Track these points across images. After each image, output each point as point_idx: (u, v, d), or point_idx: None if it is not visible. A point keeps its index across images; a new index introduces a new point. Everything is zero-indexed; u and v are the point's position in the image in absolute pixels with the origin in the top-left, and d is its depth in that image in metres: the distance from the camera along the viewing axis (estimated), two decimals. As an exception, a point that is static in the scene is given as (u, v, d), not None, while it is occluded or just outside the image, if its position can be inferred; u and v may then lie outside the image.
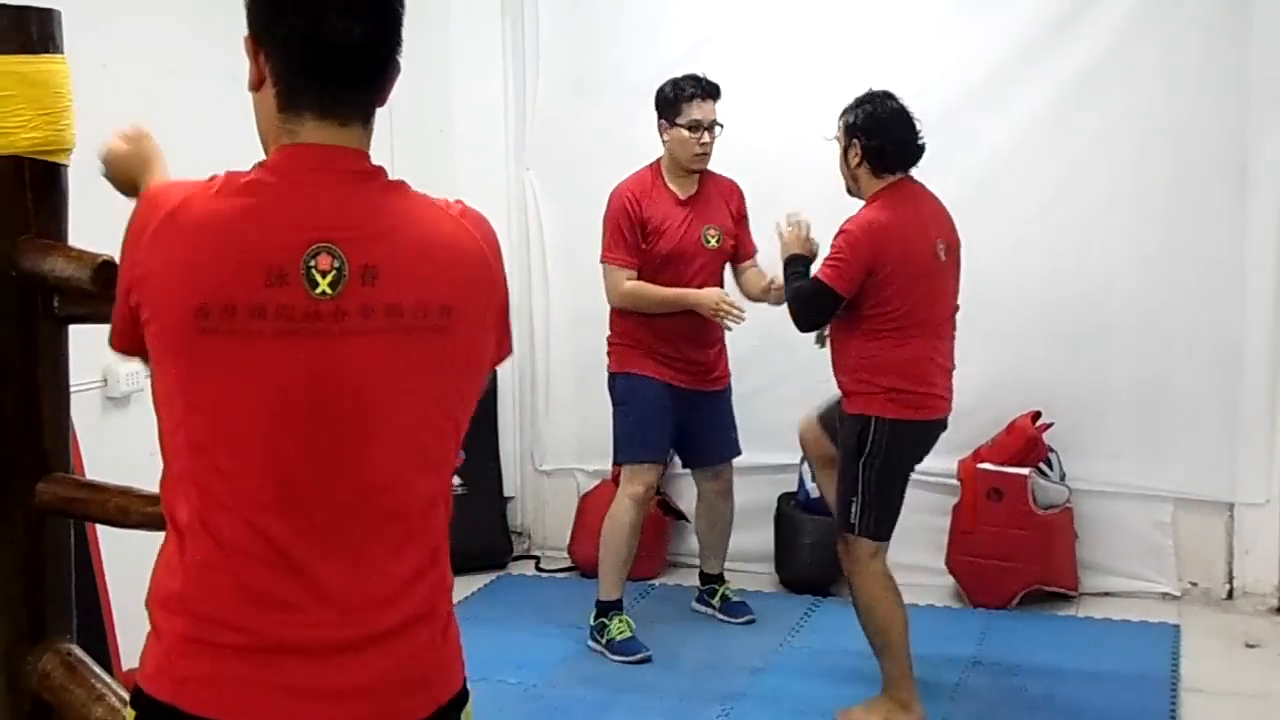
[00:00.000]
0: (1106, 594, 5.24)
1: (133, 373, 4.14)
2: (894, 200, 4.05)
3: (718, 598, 5.13)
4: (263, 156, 1.72)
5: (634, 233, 4.68)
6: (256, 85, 1.71)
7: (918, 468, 4.51)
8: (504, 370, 5.84)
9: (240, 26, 1.71)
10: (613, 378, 4.85)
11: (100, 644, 3.81)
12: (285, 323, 1.61)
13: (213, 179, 1.67)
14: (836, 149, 4.14)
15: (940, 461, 5.13)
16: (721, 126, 4.74)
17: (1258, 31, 4.95)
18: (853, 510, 4.02)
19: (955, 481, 5.21)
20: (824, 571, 5.13)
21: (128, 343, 1.71)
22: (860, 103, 4.11)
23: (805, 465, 5.10)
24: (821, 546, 4.74)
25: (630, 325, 4.78)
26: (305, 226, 1.63)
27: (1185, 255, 5.10)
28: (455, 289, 1.70)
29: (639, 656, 4.67)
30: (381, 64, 1.71)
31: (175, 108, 4.14)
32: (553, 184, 5.73)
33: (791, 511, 5.36)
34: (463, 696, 1.79)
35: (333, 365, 1.63)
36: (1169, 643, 4.79)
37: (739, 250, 4.86)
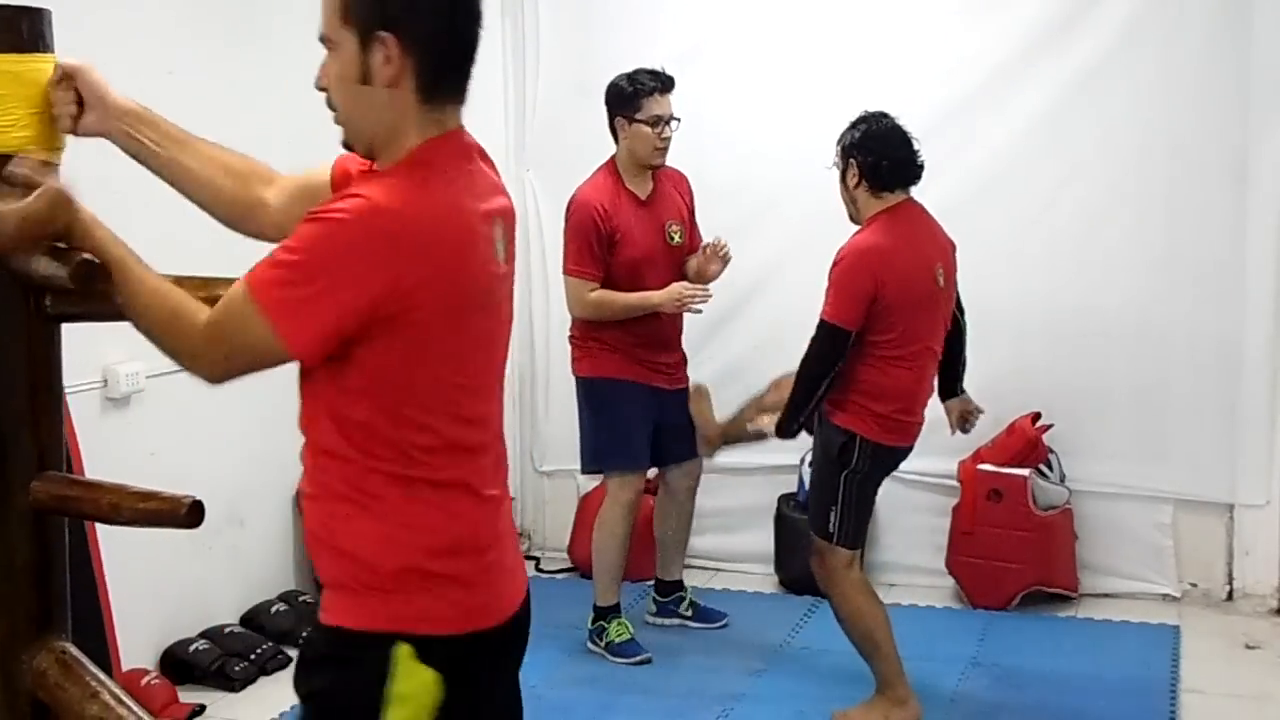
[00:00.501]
0: (1106, 595, 5.24)
1: (132, 373, 4.16)
2: (892, 222, 3.99)
3: (686, 605, 5.06)
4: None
5: (602, 245, 4.58)
6: (393, 82, 1.87)
7: (917, 468, 4.51)
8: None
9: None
10: (589, 382, 4.76)
11: (99, 643, 3.82)
12: (498, 290, 1.97)
13: (386, 182, 1.85)
14: (836, 171, 4.10)
15: (940, 463, 5.16)
16: (679, 120, 4.66)
17: (1258, 33, 4.95)
18: (831, 519, 4.03)
19: (955, 483, 5.21)
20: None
21: (329, 348, 1.83)
22: (856, 123, 4.07)
23: (804, 466, 5.09)
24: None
25: (604, 327, 4.68)
26: (485, 202, 1.93)
27: (1185, 256, 5.10)
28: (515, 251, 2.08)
29: (639, 658, 4.67)
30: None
31: (174, 109, 4.14)
32: (552, 185, 5.71)
33: (791, 512, 5.35)
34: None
35: (502, 319, 2.01)
36: (1169, 644, 4.79)
37: (691, 241, 4.82)
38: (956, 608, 5.20)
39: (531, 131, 5.82)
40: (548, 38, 5.76)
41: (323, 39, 1.92)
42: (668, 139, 4.64)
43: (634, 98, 4.58)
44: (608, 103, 4.66)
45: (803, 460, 5.20)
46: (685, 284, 4.63)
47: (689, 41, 5.45)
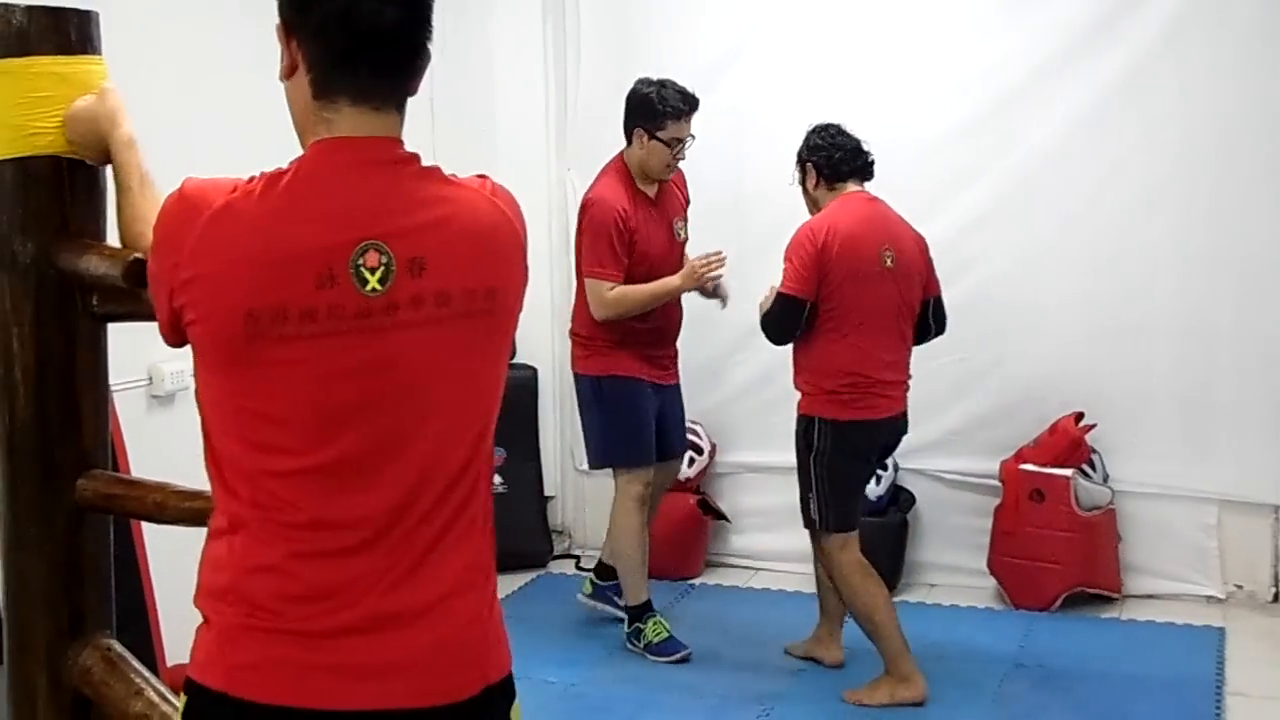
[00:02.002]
0: (1150, 596, 5.19)
1: (177, 372, 4.19)
2: (841, 205, 4.29)
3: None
4: (299, 150, 1.74)
5: (623, 246, 4.59)
6: (289, 73, 1.72)
7: (959, 468, 4.49)
8: (544, 370, 5.88)
9: (273, 19, 1.72)
10: (595, 380, 4.74)
11: (145, 641, 3.85)
12: (337, 323, 1.63)
13: (251, 180, 1.68)
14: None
15: (982, 462, 5.13)
16: (694, 138, 4.67)
17: (1303, 30, 4.90)
18: (812, 506, 4.26)
19: (997, 482, 5.18)
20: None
21: (179, 338, 1.71)
22: (806, 135, 4.40)
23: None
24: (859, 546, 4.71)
25: (612, 324, 4.66)
26: (350, 226, 1.64)
27: (1229, 254, 5.05)
28: (498, 271, 1.74)
29: (678, 655, 4.66)
30: (413, 50, 1.72)
31: (213, 104, 4.19)
32: (593, 184, 5.73)
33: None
34: (510, 687, 1.81)
35: (386, 358, 1.66)
36: (1213, 646, 4.74)
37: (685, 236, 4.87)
38: (998, 608, 5.17)
39: (573, 131, 5.83)
40: (589, 38, 5.76)
41: None
42: (681, 158, 4.69)
43: (659, 116, 4.58)
44: (631, 108, 4.66)
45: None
46: (696, 259, 4.64)
47: (730, 41, 5.45)
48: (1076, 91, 5.16)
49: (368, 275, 1.64)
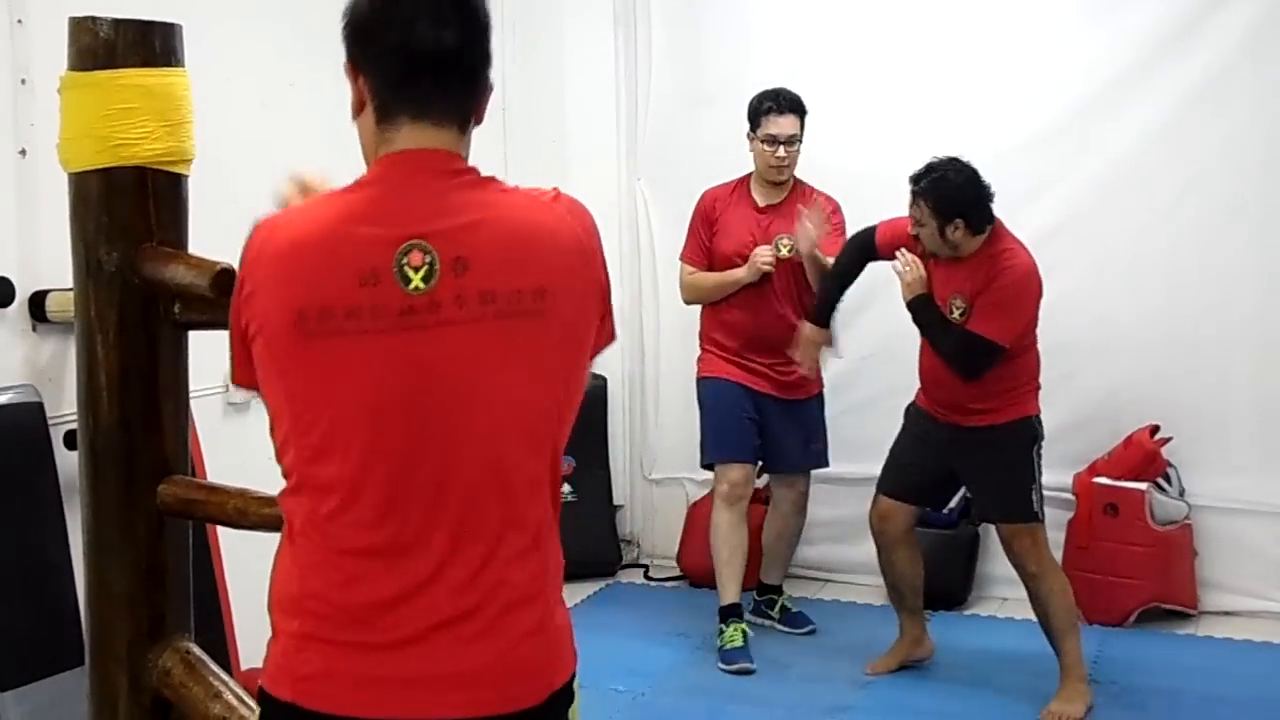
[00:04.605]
0: (1227, 613, 5.11)
1: (252, 379, 4.24)
2: (1020, 245, 4.20)
3: (777, 609, 5.12)
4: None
5: (706, 231, 4.86)
6: (358, 110, 1.78)
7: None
8: (614, 379, 5.89)
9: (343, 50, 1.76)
10: (698, 382, 4.98)
11: (220, 644, 3.90)
12: (380, 320, 1.65)
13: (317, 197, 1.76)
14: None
15: (1056, 476, 5.06)
16: (800, 141, 4.76)
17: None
18: (1034, 499, 4.24)
19: (1071, 496, 5.12)
20: (931, 584, 5.06)
21: (248, 376, 1.76)
22: (940, 182, 4.14)
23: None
24: (929, 560, 4.68)
25: (709, 328, 4.93)
26: (396, 226, 1.68)
27: (1311, 267, 4.97)
28: (549, 272, 1.73)
29: (735, 667, 4.65)
30: (470, 71, 1.76)
31: (294, 120, 4.24)
32: (664, 194, 5.74)
33: (902, 524, 5.30)
34: (571, 689, 1.81)
35: (431, 356, 1.68)
36: (1292, 664, 4.66)
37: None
38: (1071, 623, 5.10)
39: (643, 141, 5.84)
40: (660, 48, 5.77)
41: None
42: (783, 158, 4.76)
43: (756, 115, 4.78)
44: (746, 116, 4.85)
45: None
46: (760, 247, 4.75)
47: (804, 51, 5.42)
48: (1154, 101, 5.09)
49: (411, 274, 1.66)
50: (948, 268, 4.22)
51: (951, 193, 4.11)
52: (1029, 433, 4.25)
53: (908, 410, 4.49)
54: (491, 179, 1.77)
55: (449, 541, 1.69)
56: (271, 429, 1.75)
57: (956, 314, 4.19)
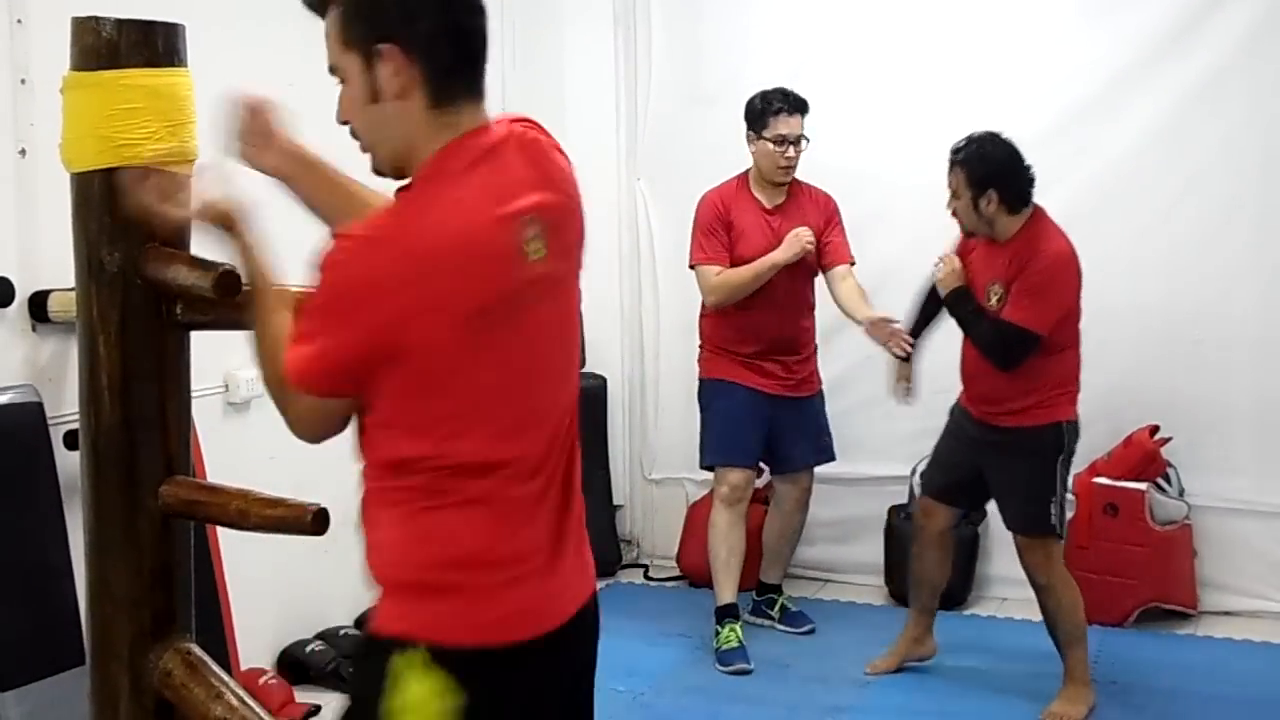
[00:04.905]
0: (1227, 613, 5.11)
1: (253, 379, 4.23)
2: (1058, 230, 4.16)
3: (777, 608, 5.12)
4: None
5: (725, 232, 4.77)
6: (401, 94, 1.83)
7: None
8: (614, 379, 5.90)
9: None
10: (699, 384, 4.96)
11: (220, 644, 3.90)
12: (528, 297, 1.85)
13: (393, 206, 1.86)
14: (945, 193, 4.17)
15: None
16: (808, 141, 4.75)
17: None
18: (1052, 512, 4.17)
19: (1071, 496, 5.11)
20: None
21: (346, 383, 1.84)
22: (977, 152, 4.12)
23: (914, 477, 5.05)
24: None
25: (716, 330, 4.87)
26: (509, 206, 1.84)
27: (1310, 266, 4.97)
28: (581, 221, 2.01)
29: (733, 668, 4.66)
30: (487, 47, 1.93)
31: (294, 120, 4.22)
32: (663, 194, 5.74)
33: (902, 524, 5.29)
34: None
35: (556, 316, 1.95)
36: (1292, 664, 4.66)
37: (826, 255, 4.82)
38: (1071, 623, 5.10)
39: (643, 141, 5.84)
40: (660, 48, 5.77)
41: (331, 70, 1.91)
42: (791, 158, 4.74)
43: (762, 115, 4.73)
44: (745, 116, 4.80)
45: (913, 471, 5.16)
46: (798, 228, 4.71)
47: (804, 50, 5.43)
48: (1153, 101, 5.10)
49: (534, 246, 1.85)
50: (986, 255, 4.20)
51: (987, 162, 4.10)
52: (1056, 441, 4.16)
53: (951, 409, 4.45)
54: (520, 133, 1.94)
55: (561, 479, 1.98)
56: (410, 418, 1.85)
57: (994, 300, 4.15)
